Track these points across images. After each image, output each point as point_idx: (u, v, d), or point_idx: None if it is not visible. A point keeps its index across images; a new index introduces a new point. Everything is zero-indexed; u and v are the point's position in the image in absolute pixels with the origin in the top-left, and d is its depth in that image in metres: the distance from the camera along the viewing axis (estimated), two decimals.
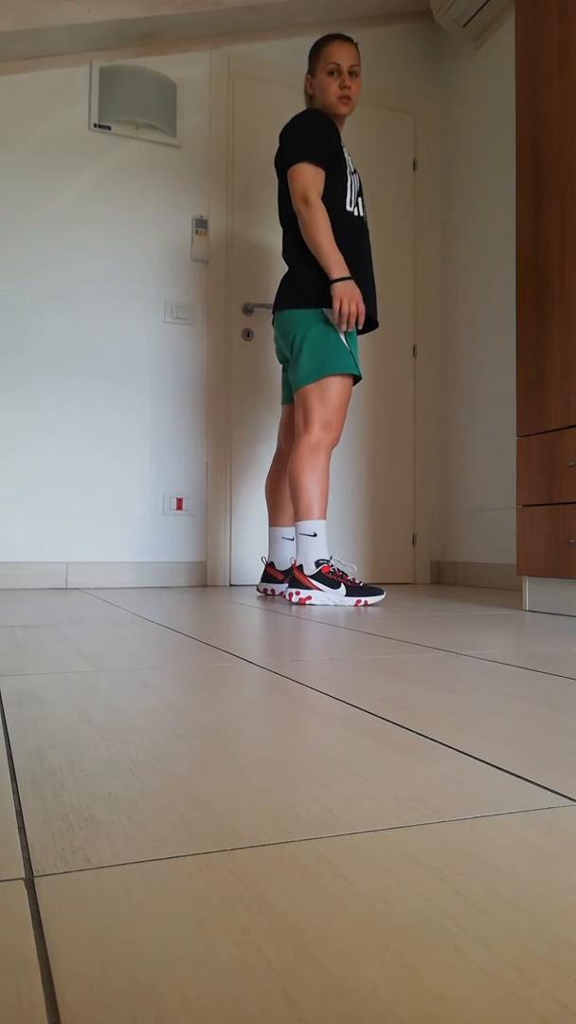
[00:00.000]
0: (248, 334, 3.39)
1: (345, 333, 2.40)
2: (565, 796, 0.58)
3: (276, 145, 3.46)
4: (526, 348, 2.19)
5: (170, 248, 3.30)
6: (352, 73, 2.46)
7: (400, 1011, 0.31)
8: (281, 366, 2.73)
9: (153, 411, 3.25)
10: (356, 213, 2.48)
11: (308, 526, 2.37)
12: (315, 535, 2.36)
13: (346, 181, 2.45)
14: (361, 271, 2.47)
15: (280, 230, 3.46)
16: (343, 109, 2.48)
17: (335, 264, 2.33)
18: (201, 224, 3.32)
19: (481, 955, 0.35)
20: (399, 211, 3.70)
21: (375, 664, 1.18)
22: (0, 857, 0.46)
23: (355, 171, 2.52)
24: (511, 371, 3.27)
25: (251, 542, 3.37)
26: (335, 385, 2.40)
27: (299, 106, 3.52)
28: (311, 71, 2.51)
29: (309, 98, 2.55)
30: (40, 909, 0.40)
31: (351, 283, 2.33)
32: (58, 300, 3.13)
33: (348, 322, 2.35)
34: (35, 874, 0.44)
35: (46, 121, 3.14)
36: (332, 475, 3.50)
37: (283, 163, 2.43)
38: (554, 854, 0.47)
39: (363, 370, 3.59)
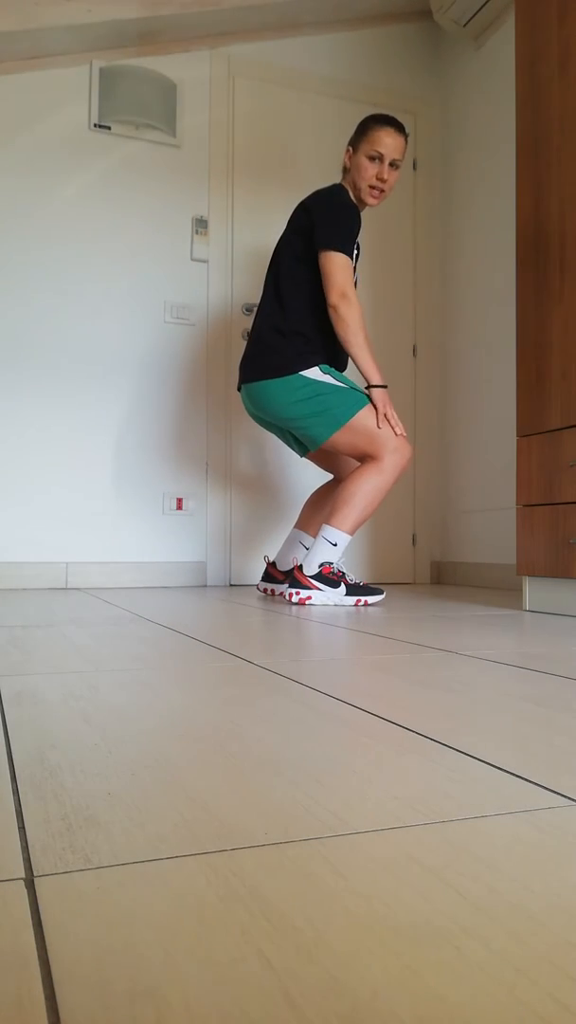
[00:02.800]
0: (248, 334, 3.39)
1: (334, 378, 2.36)
2: (565, 796, 0.58)
3: (277, 145, 3.46)
4: (526, 348, 2.19)
5: (170, 248, 3.30)
6: (393, 165, 2.39)
7: (400, 1011, 0.31)
8: (270, 431, 2.62)
9: (153, 411, 3.25)
10: None
11: (335, 535, 2.32)
12: (336, 545, 2.33)
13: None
14: (340, 362, 2.48)
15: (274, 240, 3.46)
16: (371, 201, 2.43)
17: (373, 369, 2.33)
18: (201, 224, 3.32)
19: (481, 955, 0.35)
20: (399, 210, 3.70)
21: (375, 664, 1.18)
22: (0, 857, 0.46)
23: (357, 260, 2.48)
24: (511, 371, 3.27)
25: (251, 542, 3.37)
26: (359, 419, 2.33)
27: (299, 106, 3.52)
28: (353, 145, 2.42)
29: (344, 170, 2.47)
30: (40, 909, 0.40)
31: (386, 392, 2.35)
32: (58, 300, 3.13)
33: (391, 423, 2.33)
34: (35, 874, 0.44)
35: (46, 121, 3.14)
36: (330, 476, 3.50)
37: (307, 231, 2.36)
38: (554, 854, 0.47)
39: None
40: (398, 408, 3.67)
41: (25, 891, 0.42)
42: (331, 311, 2.33)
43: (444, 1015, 0.31)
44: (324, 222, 2.33)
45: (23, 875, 0.44)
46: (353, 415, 2.33)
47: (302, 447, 2.59)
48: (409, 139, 3.72)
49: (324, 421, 2.34)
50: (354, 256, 2.44)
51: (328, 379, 2.36)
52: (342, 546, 2.33)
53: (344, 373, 2.55)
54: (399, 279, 3.69)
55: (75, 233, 3.16)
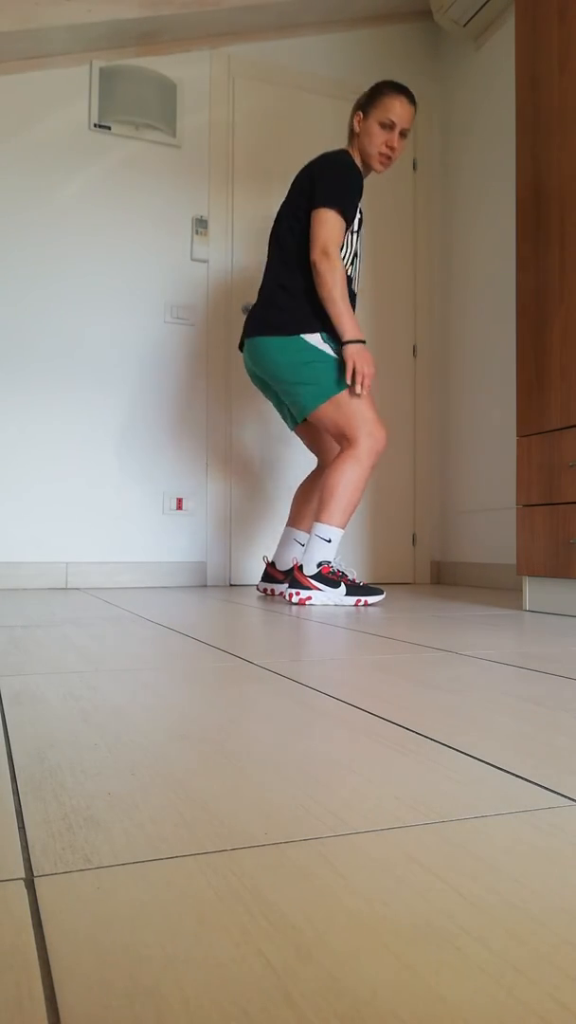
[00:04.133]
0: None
1: (330, 345, 2.36)
2: (565, 796, 0.58)
3: (278, 145, 3.46)
4: (526, 348, 2.19)
5: (171, 248, 3.30)
6: (402, 134, 2.40)
7: (400, 1011, 0.31)
8: (268, 396, 2.63)
9: (153, 411, 3.25)
10: (351, 275, 2.46)
11: (327, 530, 2.33)
12: (329, 541, 2.33)
13: (346, 240, 2.41)
14: None
15: None
16: (379, 168, 2.43)
17: (348, 325, 2.30)
18: (201, 224, 3.32)
19: (481, 955, 0.35)
20: (399, 211, 3.70)
21: (375, 664, 1.18)
22: (0, 857, 0.46)
23: (359, 229, 2.47)
24: (511, 371, 3.27)
25: (251, 542, 3.37)
26: (347, 395, 2.34)
27: (299, 106, 3.52)
28: (364, 110, 2.41)
29: (352, 133, 2.46)
30: (40, 909, 0.40)
31: (364, 346, 2.31)
32: (58, 300, 3.13)
33: (363, 384, 2.29)
34: (35, 874, 0.44)
35: (46, 121, 3.14)
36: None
37: (309, 192, 2.36)
38: (554, 854, 0.47)
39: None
40: (399, 407, 3.67)
41: (25, 891, 0.42)
42: (312, 268, 2.32)
43: (444, 1015, 0.31)
44: (324, 182, 2.33)
45: (23, 875, 0.44)
46: (342, 389, 2.33)
47: (293, 419, 2.61)
48: (409, 139, 3.72)
49: (314, 392, 2.35)
50: (355, 221, 2.43)
51: (327, 349, 2.36)
52: (336, 541, 2.34)
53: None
54: (399, 279, 3.69)
55: (75, 233, 3.16)
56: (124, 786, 0.59)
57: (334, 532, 2.34)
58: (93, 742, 0.71)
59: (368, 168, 2.47)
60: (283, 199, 3.45)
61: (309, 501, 2.69)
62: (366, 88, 3.62)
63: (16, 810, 0.54)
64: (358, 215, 2.45)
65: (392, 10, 3.63)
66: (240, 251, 3.40)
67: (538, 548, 2.12)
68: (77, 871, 0.44)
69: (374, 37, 3.67)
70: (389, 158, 2.43)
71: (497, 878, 0.43)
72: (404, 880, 0.43)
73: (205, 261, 3.33)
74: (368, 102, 2.42)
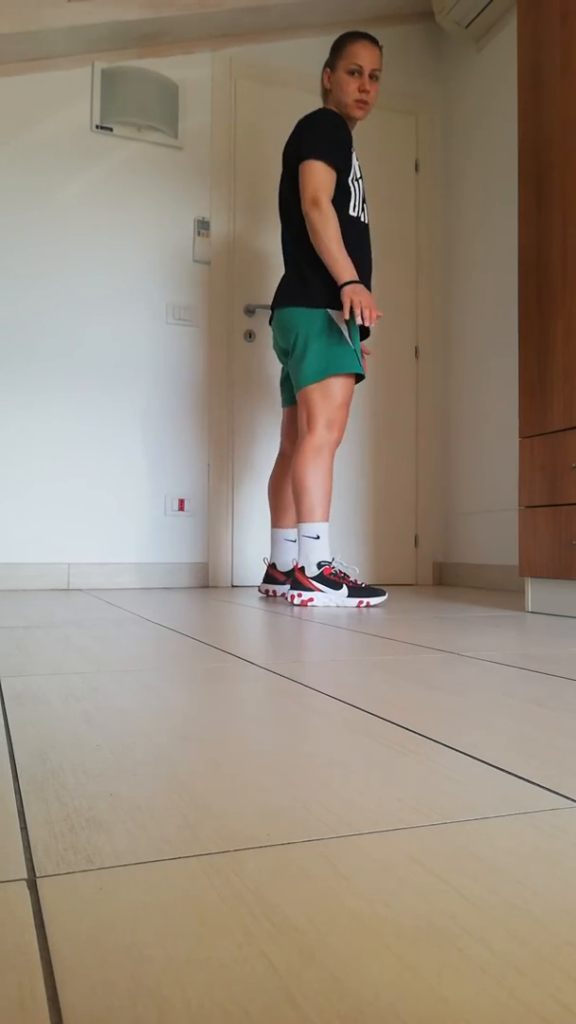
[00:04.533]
0: (250, 335, 3.39)
1: (349, 331, 2.39)
2: (567, 797, 0.58)
3: (279, 146, 3.46)
4: (528, 349, 2.19)
5: (172, 250, 3.30)
6: (372, 77, 2.42)
7: (403, 1012, 0.31)
8: (282, 368, 2.70)
9: (155, 412, 3.25)
10: (361, 219, 2.47)
11: (311, 528, 2.36)
12: (318, 537, 2.35)
13: (353, 186, 2.44)
14: (363, 278, 2.46)
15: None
16: (358, 113, 2.45)
17: (344, 269, 2.31)
18: (203, 226, 3.32)
19: (483, 956, 0.35)
20: (401, 212, 3.70)
21: (377, 665, 1.18)
22: (2, 858, 0.46)
23: (361, 177, 2.51)
24: (513, 372, 3.27)
25: (253, 543, 3.37)
26: (338, 384, 2.39)
27: (301, 107, 3.52)
28: (331, 65, 2.45)
29: (325, 92, 2.50)
30: (42, 910, 0.40)
31: (360, 285, 2.31)
32: (60, 301, 3.13)
33: (364, 316, 2.28)
34: (37, 875, 0.44)
35: (48, 122, 3.14)
36: (335, 476, 3.50)
37: (296, 155, 2.39)
38: (556, 855, 0.47)
39: (366, 371, 3.59)
40: (401, 408, 3.67)
41: (27, 892, 0.42)
42: (305, 218, 2.34)
43: (446, 1016, 0.31)
44: (307, 137, 2.36)
45: (25, 876, 0.44)
46: (336, 372, 2.36)
47: (291, 395, 2.65)
48: (411, 141, 3.72)
49: (317, 367, 2.38)
50: (356, 167, 2.46)
51: (346, 333, 2.38)
52: (324, 535, 2.36)
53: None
54: (401, 280, 3.69)
55: (77, 234, 3.16)
56: (126, 787, 0.59)
57: (320, 527, 2.36)
58: (95, 743, 0.71)
59: (349, 119, 2.49)
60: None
61: (281, 494, 2.72)
62: None
63: (18, 811, 0.54)
64: (355, 162, 2.46)
65: (394, 12, 3.64)
66: (242, 252, 3.41)
67: (540, 549, 2.11)
68: (79, 872, 0.44)
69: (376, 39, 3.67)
70: (365, 103, 2.44)
71: (499, 879, 0.43)
72: (406, 881, 0.43)
73: (207, 262, 3.34)
74: (332, 56, 2.46)
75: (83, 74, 3.19)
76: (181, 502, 3.26)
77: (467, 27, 3.39)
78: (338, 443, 2.43)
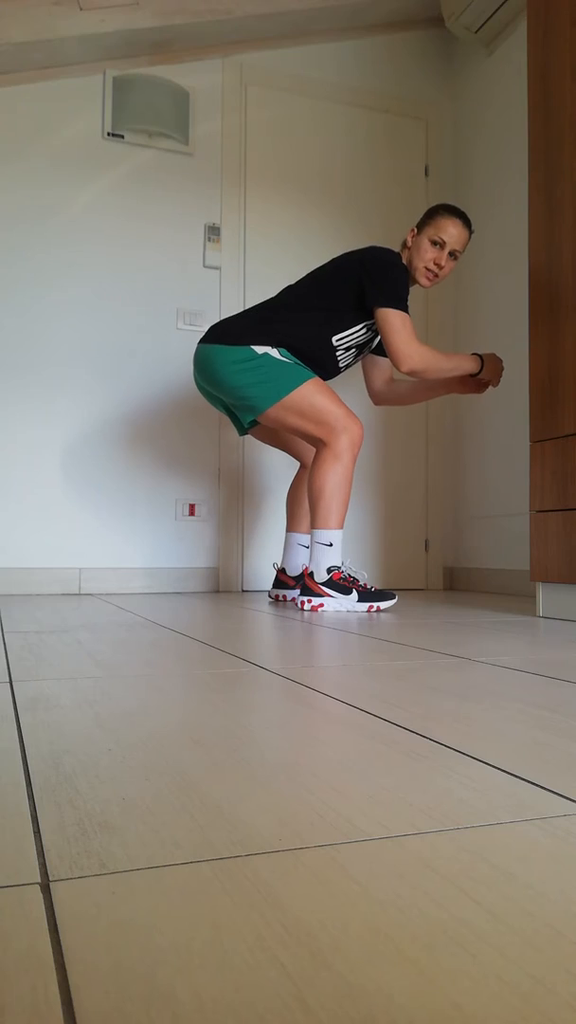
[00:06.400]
0: None
1: (284, 356, 2.35)
2: None
3: (289, 152, 3.47)
4: (539, 353, 2.19)
5: (183, 255, 3.31)
6: (452, 255, 2.42)
7: (416, 1018, 0.31)
8: (215, 405, 2.60)
9: (167, 417, 3.26)
10: (339, 359, 2.48)
11: (325, 535, 2.34)
12: (331, 545, 2.34)
13: (357, 337, 2.46)
14: (325, 373, 2.49)
15: (295, 241, 3.47)
16: (424, 282, 2.45)
17: (463, 360, 2.39)
18: (214, 232, 3.34)
19: (497, 963, 0.35)
20: (411, 217, 3.70)
21: (388, 670, 1.18)
22: (16, 862, 0.46)
23: (366, 347, 2.54)
24: (524, 376, 3.26)
25: (263, 548, 3.37)
26: (303, 394, 2.31)
27: (311, 114, 3.53)
28: (420, 227, 2.44)
29: (404, 247, 2.48)
30: (56, 913, 0.40)
31: (479, 358, 2.43)
32: (71, 306, 3.15)
33: (498, 378, 2.48)
34: (51, 879, 0.44)
35: (60, 130, 3.17)
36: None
37: (353, 280, 2.36)
38: (571, 861, 0.47)
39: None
40: (410, 412, 3.66)
41: (41, 895, 0.42)
42: (413, 376, 2.36)
43: (460, 1022, 0.31)
44: (383, 281, 2.34)
45: (39, 880, 0.44)
46: (296, 387, 2.30)
47: (241, 425, 2.59)
48: (420, 146, 3.73)
49: (266, 390, 2.31)
50: (369, 334, 2.50)
51: (275, 354, 2.34)
52: (338, 542, 2.35)
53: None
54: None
55: (89, 241, 3.18)
56: (138, 791, 0.59)
57: (333, 535, 2.34)
58: (107, 747, 0.72)
59: (412, 281, 2.49)
60: (294, 207, 3.47)
61: (301, 502, 2.72)
62: (379, 94, 3.64)
63: (32, 815, 0.54)
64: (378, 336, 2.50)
65: (404, 17, 3.64)
66: (252, 258, 3.42)
67: (552, 554, 2.11)
68: (92, 876, 0.44)
69: (386, 44, 3.68)
70: (435, 275, 2.43)
71: (513, 885, 0.43)
72: (419, 887, 0.43)
73: (217, 268, 3.35)
74: (423, 220, 2.44)
75: (95, 82, 3.22)
76: (192, 507, 3.27)
77: (477, 32, 3.40)
78: (360, 438, 2.35)
